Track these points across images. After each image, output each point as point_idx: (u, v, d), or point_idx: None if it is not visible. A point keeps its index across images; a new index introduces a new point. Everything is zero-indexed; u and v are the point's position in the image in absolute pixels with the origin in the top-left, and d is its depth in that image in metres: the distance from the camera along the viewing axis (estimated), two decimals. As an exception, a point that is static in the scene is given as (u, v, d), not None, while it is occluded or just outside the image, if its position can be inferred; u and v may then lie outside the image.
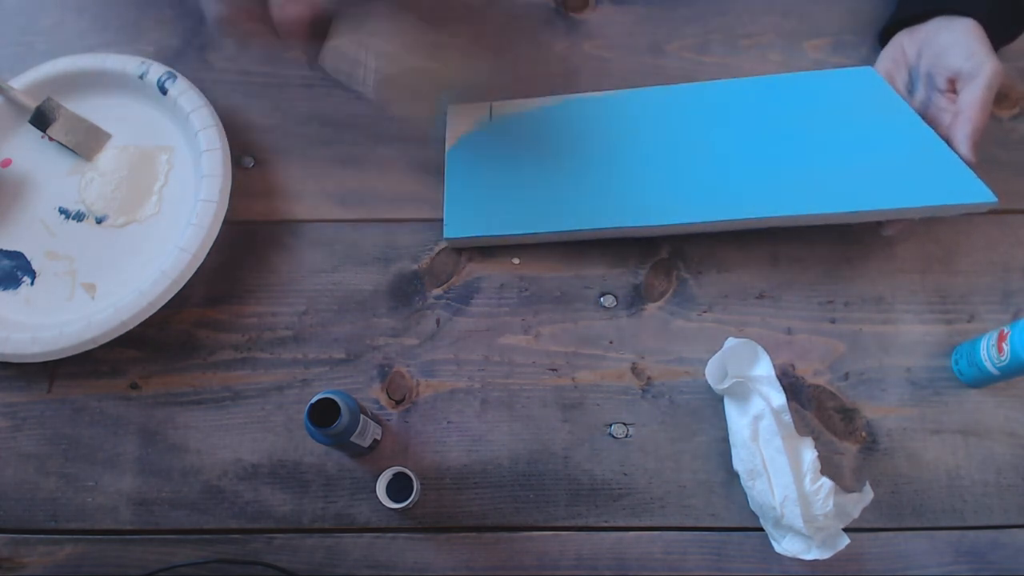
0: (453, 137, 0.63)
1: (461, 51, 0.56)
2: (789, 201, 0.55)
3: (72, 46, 0.68)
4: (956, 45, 0.56)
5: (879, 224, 0.57)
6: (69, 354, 0.55)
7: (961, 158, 0.55)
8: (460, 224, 0.58)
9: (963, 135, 0.54)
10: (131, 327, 0.55)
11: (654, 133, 0.61)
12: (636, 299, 0.58)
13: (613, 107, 0.63)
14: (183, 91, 0.62)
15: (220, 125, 0.61)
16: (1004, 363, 0.50)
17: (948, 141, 0.56)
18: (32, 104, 0.61)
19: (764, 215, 0.55)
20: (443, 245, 0.60)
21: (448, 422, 0.55)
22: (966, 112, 0.54)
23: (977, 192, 0.54)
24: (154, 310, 0.55)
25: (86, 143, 0.63)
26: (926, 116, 0.58)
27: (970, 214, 0.57)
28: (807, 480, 0.48)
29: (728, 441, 0.53)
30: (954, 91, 0.56)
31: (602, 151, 0.60)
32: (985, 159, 0.61)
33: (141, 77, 0.63)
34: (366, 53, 0.52)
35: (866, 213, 0.54)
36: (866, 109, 0.60)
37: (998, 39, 0.57)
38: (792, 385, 0.55)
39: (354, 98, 0.66)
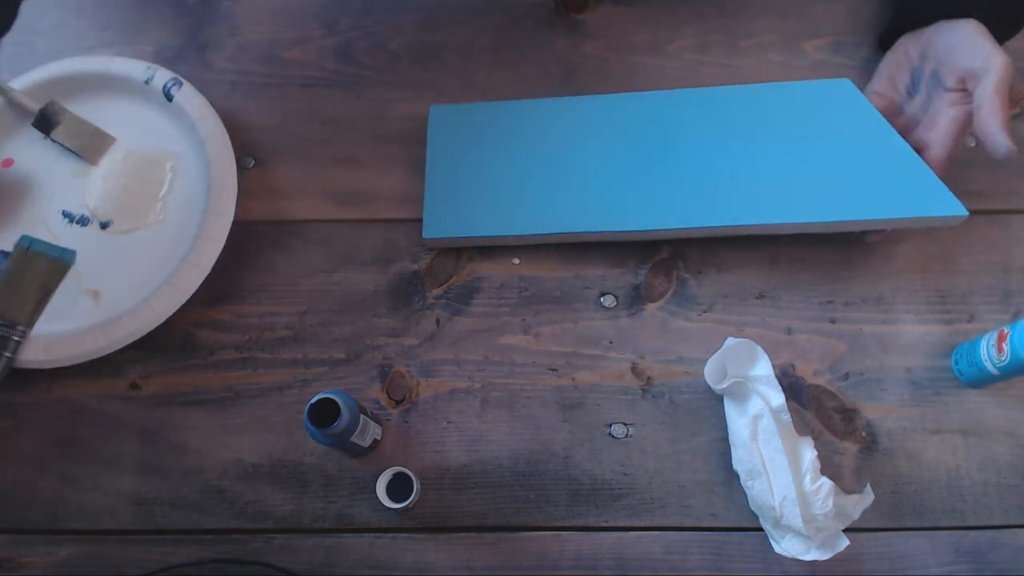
0: (435, 137, 0.63)
1: None
2: (766, 210, 0.56)
3: (72, 46, 0.68)
4: (962, 44, 0.56)
5: (863, 232, 0.58)
6: (77, 362, 0.55)
7: (1002, 151, 0.53)
8: (440, 224, 0.58)
9: (996, 128, 0.52)
10: (138, 336, 0.55)
11: (627, 139, 0.61)
12: (636, 299, 0.58)
13: (594, 111, 0.63)
14: (189, 98, 0.62)
15: (226, 134, 0.61)
16: (1004, 363, 0.50)
17: (982, 135, 0.54)
18: (35, 107, 0.61)
19: (743, 223, 0.56)
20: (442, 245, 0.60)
21: (448, 422, 0.55)
22: (987, 106, 0.53)
23: (949, 205, 0.55)
24: (160, 320, 0.55)
25: (90, 146, 0.63)
26: (924, 118, 0.58)
27: (969, 213, 0.57)
28: (807, 480, 0.48)
29: (728, 441, 0.53)
30: (962, 89, 0.56)
31: (583, 154, 0.61)
32: (985, 159, 0.61)
33: (147, 82, 0.63)
34: None
35: (842, 224, 0.56)
36: (843, 121, 0.60)
37: (998, 37, 0.57)
38: (792, 385, 0.55)
39: (354, 98, 0.66)
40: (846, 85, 0.63)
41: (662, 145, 0.61)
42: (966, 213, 0.54)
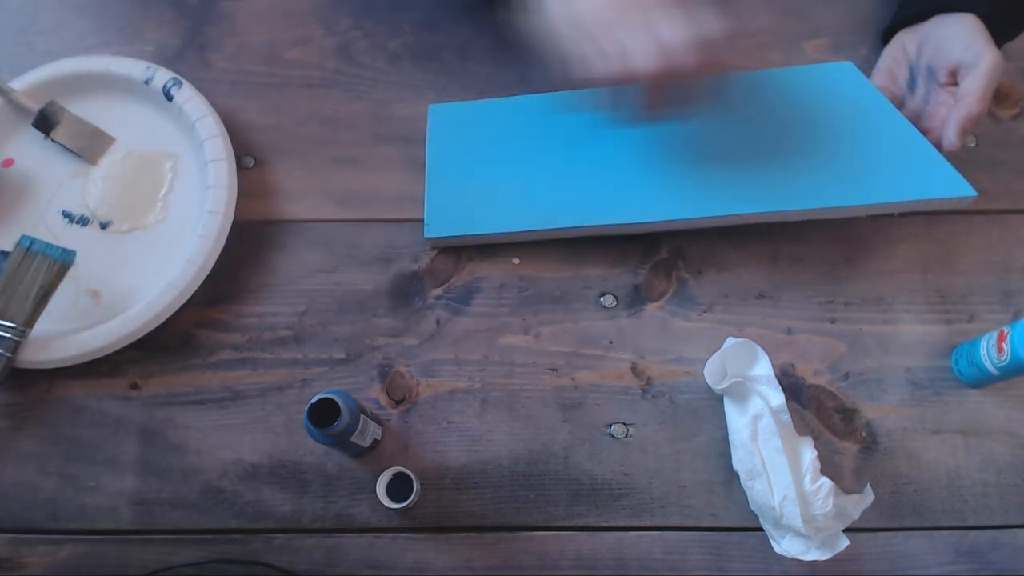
0: (434, 135, 0.63)
1: None
2: (771, 198, 0.55)
3: (72, 46, 0.68)
4: (955, 38, 0.56)
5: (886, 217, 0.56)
6: (77, 362, 0.55)
7: (945, 143, 0.55)
8: (441, 224, 0.58)
9: (954, 119, 0.54)
10: (138, 336, 0.55)
11: (627, 131, 0.60)
12: (636, 299, 0.58)
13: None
14: (189, 98, 0.61)
15: (226, 135, 0.61)
16: (1004, 363, 0.50)
17: (944, 123, 0.56)
18: (35, 107, 0.61)
19: (747, 211, 0.55)
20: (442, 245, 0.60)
21: (448, 422, 0.55)
22: (963, 100, 0.54)
23: (957, 187, 0.54)
24: (160, 320, 0.56)
25: (90, 146, 0.63)
26: (925, 111, 0.58)
27: (969, 213, 0.57)
28: (807, 480, 0.48)
29: (728, 441, 0.53)
30: (955, 83, 0.56)
31: (583, 148, 0.60)
32: (985, 159, 0.61)
33: (146, 82, 0.63)
34: None
35: (849, 209, 0.55)
36: (847, 104, 0.60)
37: (999, 36, 0.57)
38: (792, 385, 0.55)
39: (354, 98, 0.66)
40: (848, 68, 0.63)
41: (663, 135, 0.60)
42: (975, 193, 0.54)
